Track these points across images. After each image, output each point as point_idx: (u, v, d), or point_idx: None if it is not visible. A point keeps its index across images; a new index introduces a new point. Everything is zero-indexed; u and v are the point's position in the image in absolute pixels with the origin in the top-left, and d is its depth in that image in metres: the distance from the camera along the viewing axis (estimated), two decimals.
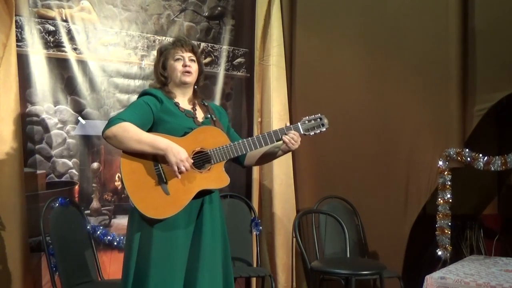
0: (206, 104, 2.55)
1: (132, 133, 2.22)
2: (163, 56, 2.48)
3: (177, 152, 2.23)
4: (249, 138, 2.40)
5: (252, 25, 4.32)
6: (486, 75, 3.72)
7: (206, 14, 4.21)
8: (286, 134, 2.39)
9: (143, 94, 2.44)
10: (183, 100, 2.47)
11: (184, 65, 2.42)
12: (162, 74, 2.46)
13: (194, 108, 2.47)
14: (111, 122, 2.25)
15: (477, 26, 3.74)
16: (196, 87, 2.53)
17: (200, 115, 2.46)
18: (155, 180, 2.26)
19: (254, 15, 4.29)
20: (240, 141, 2.38)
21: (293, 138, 2.39)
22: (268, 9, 4.23)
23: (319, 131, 2.44)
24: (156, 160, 2.27)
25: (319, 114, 2.47)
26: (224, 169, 2.38)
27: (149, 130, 2.33)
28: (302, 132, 2.42)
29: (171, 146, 2.23)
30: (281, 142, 2.42)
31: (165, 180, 2.27)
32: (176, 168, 2.22)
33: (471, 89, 3.76)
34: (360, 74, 4.15)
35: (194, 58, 2.47)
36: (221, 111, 2.63)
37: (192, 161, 2.28)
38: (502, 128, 4.51)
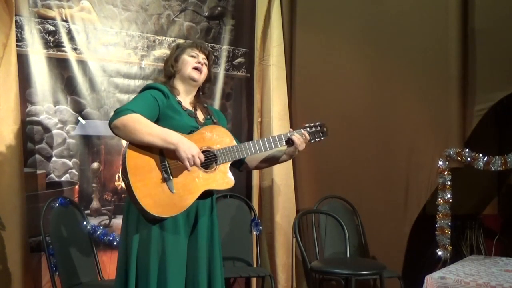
0: (206, 106, 2.55)
1: (143, 125, 2.17)
2: (179, 51, 2.49)
3: (188, 147, 2.19)
4: (255, 140, 2.39)
5: (252, 25, 4.32)
6: (486, 75, 3.72)
7: (206, 14, 4.21)
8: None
9: (148, 87, 2.37)
10: (185, 99, 2.46)
11: (197, 62, 2.44)
12: (172, 65, 2.45)
13: (195, 109, 2.46)
14: (120, 112, 2.17)
15: (477, 26, 3.74)
16: (201, 93, 2.55)
17: (200, 116, 2.46)
18: (160, 177, 2.20)
19: (254, 15, 4.29)
20: (246, 142, 2.37)
21: (302, 137, 2.44)
22: (268, 9, 4.22)
23: (319, 139, 2.49)
24: (163, 155, 2.23)
25: (319, 122, 2.50)
26: (229, 170, 2.35)
27: None
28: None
29: (182, 140, 2.20)
30: (285, 147, 2.44)
31: (170, 177, 2.21)
32: (187, 163, 2.17)
33: (471, 89, 3.76)
34: (360, 74, 4.15)
35: (206, 62, 2.50)
36: (220, 114, 2.63)
37: (204, 157, 2.24)
38: (502, 128, 4.51)
